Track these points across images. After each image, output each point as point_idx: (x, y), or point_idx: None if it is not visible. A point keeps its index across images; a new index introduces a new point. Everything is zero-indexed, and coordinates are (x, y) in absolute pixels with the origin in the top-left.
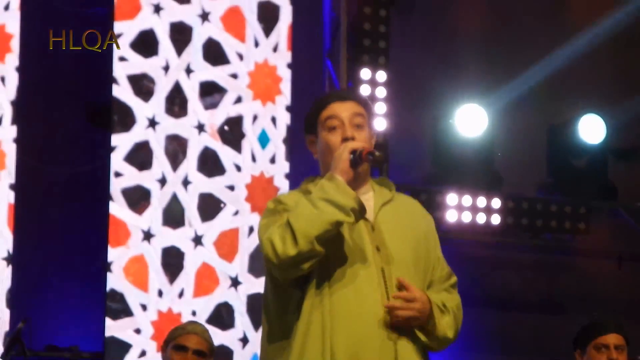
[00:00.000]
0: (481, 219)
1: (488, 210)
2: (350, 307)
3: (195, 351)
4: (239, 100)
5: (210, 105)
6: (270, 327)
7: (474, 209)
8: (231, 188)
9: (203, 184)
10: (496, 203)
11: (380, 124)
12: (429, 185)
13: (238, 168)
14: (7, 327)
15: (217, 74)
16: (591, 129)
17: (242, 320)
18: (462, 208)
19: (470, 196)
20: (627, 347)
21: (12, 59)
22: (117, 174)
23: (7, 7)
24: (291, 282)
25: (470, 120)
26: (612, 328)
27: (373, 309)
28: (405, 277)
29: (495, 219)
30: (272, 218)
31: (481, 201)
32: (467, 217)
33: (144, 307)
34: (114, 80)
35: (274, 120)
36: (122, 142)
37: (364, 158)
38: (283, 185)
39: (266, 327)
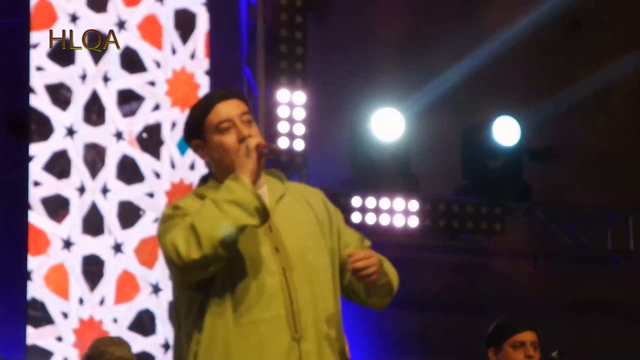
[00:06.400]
0: (399, 221)
1: (406, 213)
2: (253, 314)
3: None
4: (157, 107)
5: (129, 113)
6: (178, 334)
7: (392, 212)
8: (150, 195)
9: (122, 191)
10: (413, 205)
11: (299, 130)
12: (347, 189)
13: (157, 175)
14: None
15: (134, 82)
16: (505, 131)
17: (163, 326)
18: (380, 211)
19: (388, 199)
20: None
21: None
22: (36, 183)
23: None
24: (194, 286)
25: (387, 125)
26: (527, 326)
27: (277, 312)
28: (306, 273)
29: (413, 222)
30: (172, 222)
31: (399, 204)
32: (385, 220)
33: (65, 315)
34: (31, 90)
35: None
36: (40, 151)
37: (263, 153)
38: None
39: (175, 334)
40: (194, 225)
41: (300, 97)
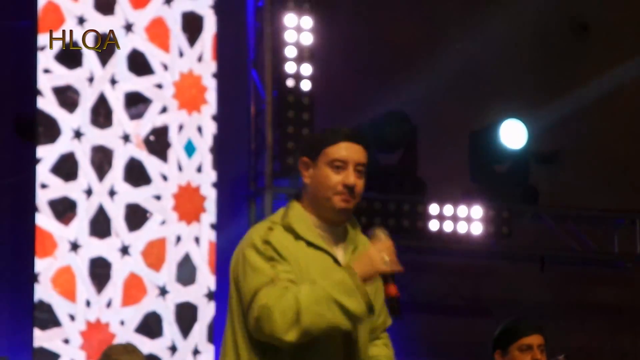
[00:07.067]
0: (407, 224)
1: (414, 215)
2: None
3: None
4: (164, 110)
5: (136, 116)
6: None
7: (400, 214)
8: (157, 198)
9: (129, 194)
10: (420, 208)
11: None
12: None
13: (164, 178)
14: None
15: (142, 84)
16: (512, 134)
17: (170, 329)
18: (388, 213)
19: (395, 202)
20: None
21: None
22: (43, 186)
23: None
24: None
25: (395, 127)
26: (534, 329)
27: (337, 350)
28: (364, 324)
29: (420, 224)
30: (263, 265)
31: (406, 207)
32: (392, 223)
33: (72, 318)
34: (38, 92)
35: (199, 129)
36: (47, 154)
37: (386, 295)
38: (210, 194)
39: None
40: (299, 309)
41: (306, 101)
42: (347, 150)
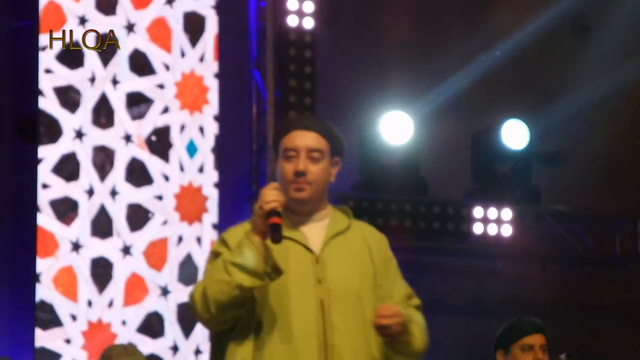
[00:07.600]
0: (408, 223)
1: (414, 215)
2: (282, 342)
3: None
4: (166, 110)
5: (137, 116)
6: None
7: (401, 214)
8: (159, 198)
9: (131, 194)
10: (422, 208)
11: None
12: (357, 193)
13: (166, 178)
14: None
15: (143, 85)
16: (515, 135)
17: (172, 329)
18: (389, 214)
19: (395, 203)
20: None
21: None
22: (45, 186)
23: None
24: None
25: (396, 128)
26: (536, 329)
27: (308, 341)
28: (347, 309)
29: (422, 223)
30: (211, 264)
31: (408, 207)
32: (394, 223)
33: (73, 317)
34: (40, 93)
35: (201, 129)
36: (49, 154)
37: (269, 223)
38: (212, 194)
39: None
40: (205, 286)
41: (309, 101)
42: (297, 138)
